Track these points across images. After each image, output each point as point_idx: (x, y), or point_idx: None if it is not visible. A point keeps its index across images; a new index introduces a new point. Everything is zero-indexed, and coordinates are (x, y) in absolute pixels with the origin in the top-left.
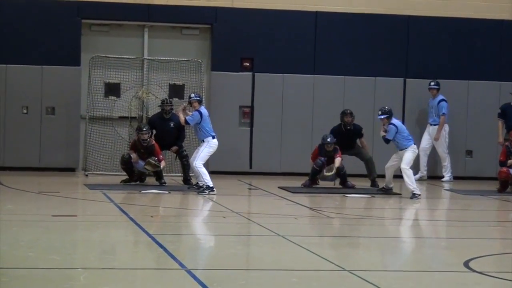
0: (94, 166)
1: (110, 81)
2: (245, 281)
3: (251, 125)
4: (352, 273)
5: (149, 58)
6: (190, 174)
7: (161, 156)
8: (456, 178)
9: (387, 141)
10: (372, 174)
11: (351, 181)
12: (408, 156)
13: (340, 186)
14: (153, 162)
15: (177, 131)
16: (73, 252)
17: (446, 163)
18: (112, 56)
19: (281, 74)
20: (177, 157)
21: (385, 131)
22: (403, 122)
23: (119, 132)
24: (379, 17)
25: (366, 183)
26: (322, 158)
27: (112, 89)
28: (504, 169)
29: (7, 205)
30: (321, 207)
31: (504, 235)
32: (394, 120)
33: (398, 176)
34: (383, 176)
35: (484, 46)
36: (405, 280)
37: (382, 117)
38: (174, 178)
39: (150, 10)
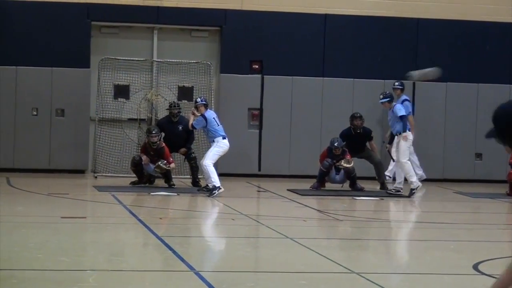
0: (103, 168)
1: (119, 83)
2: (254, 284)
3: (260, 127)
4: (360, 275)
5: (159, 60)
6: (199, 176)
7: (171, 159)
8: (465, 181)
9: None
10: (381, 177)
11: (360, 183)
12: (401, 145)
13: (349, 189)
14: (163, 166)
15: (186, 134)
16: (82, 254)
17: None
18: (121, 58)
19: (290, 77)
20: (186, 159)
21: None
22: None
23: (128, 134)
24: (388, 20)
25: (375, 186)
26: (329, 160)
27: (122, 91)
28: None
29: (17, 206)
30: (329, 209)
31: None
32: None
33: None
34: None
35: (494, 49)
36: (413, 283)
37: (384, 100)
38: (183, 180)
39: (159, 12)
